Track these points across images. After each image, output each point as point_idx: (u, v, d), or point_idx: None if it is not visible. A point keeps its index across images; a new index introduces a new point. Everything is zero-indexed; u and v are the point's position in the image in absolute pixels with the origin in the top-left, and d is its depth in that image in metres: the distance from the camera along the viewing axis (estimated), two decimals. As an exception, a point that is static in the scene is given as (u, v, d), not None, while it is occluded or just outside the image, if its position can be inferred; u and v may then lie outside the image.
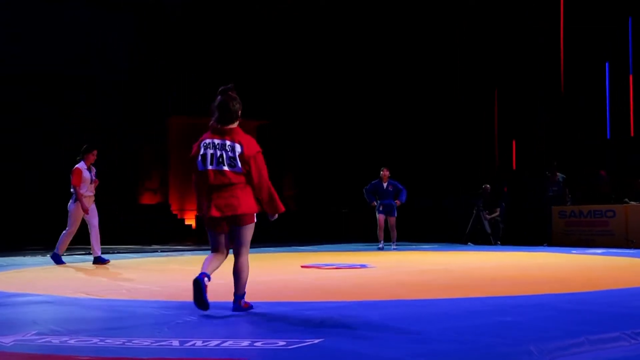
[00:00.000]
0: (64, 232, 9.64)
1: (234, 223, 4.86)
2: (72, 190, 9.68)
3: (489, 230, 15.16)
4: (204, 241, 18.42)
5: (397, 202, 12.83)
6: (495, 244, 14.98)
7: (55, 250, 9.68)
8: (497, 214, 15.51)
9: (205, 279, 4.70)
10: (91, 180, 9.71)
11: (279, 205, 4.89)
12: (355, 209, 17.35)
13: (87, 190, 9.66)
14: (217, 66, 21.43)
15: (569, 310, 5.01)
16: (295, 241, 16.00)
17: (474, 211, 15.45)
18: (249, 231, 4.88)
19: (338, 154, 20.55)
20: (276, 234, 19.06)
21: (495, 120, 17.42)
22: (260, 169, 4.83)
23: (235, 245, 4.88)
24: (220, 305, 5.34)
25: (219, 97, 4.92)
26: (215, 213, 4.81)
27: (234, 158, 4.79)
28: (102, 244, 9.85)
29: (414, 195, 18.34)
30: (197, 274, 4.78)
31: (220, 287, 6.73)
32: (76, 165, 9.70)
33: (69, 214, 9.68)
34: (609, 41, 15.54)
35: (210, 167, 4.81)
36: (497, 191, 16.28)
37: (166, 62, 20.71)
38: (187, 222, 22.66)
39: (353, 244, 15.02)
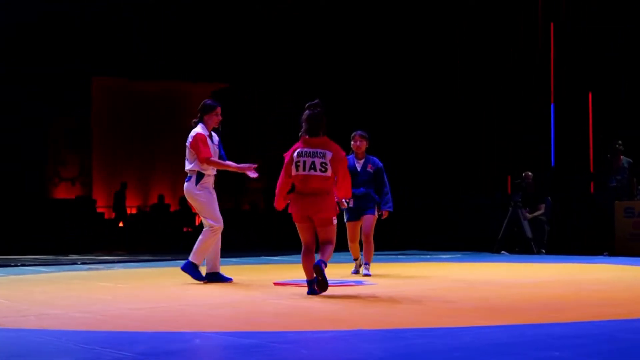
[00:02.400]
0: (204, 232, 8.97)
1: (318, 224, 7.61)
2: (190, 168, 9.07)
3: (529, 235, 15.23)
4: (139, 249, 18.47)
5: (384, 212, 10.25)
6: (539, 252, 15.08)
7: (191, 259, 8.99)
8: (541, 211, 15.59)
9: (315, 286, 7.56)
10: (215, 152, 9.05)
11: (349, 191, 7.87)
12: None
13: (210, 168, 9.09)
14: (164, 19, 21.31)
15: (635, 342, 5.07)
16: (264, 250, 16.04)
17: (510, 208, 15.51)
18: (331, 229, 7.66)
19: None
20: (240, 240, 19.08)
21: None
22: (346, 171, 7.68)
23: (321, 238, 7.71)
24: (160, 337, 5.36)
25: (307, 111, 7.60)
26: (297, 210, 7.60)
27: (325, 163, 7.49)
28: None
29: (426, 193, 18.70)
30: (306, 289, 7.70)
31: (156, 312, 6.74)
32: (195, 131, 9.05)
33: (200, 205, 9.03)
34: None
35: (303, 172, 7.52)
36: (542, 181, 16.39)
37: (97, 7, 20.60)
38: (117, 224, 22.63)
39: (343, 254, 15.04)
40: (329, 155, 7.51)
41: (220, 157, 9.18)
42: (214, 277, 9.13)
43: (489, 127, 18.92)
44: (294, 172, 7.57)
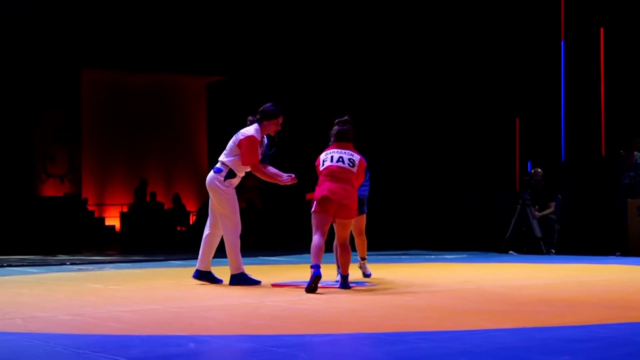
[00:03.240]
0: (229, 233, 8.81)
1: (341, 216, 8.25)
2: (225, 161, 8.92)
3: (538, 234, 15.25)
4: (130, 249, 18.46)
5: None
6: (548, 252, 15.08)
7: (232, 272, 8.88)
8: (551, 210, 15.59)
9: (320, 270, 7.96)
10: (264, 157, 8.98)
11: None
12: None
13: (243, 171, 9.01)
14: (157, 9, 21.29)
15: (649, 345, 5.09)
16: (262, 249, 16.03)
17: (518, 206, 15.52)
18: (349, 225, 8.42)
19: (315, 125, 20.54)
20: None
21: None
22: (362, 176, 8.54)
23: (339, 236, 8.35)
24: (154, 341, 5.37)
25: (336, 127, 8.48)
26: (328, 194, 8.15)
27: (354, 160, 8.32)
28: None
29: (430, 191, 18.74)
30: (311, 269, 7.96)
31: (149, 315, 6.75)
32: (250, 131, 8.89)
33: (221, 201, 8.87)
34: None
35: (330, 164, 8.28)
36: (552, 178, 16.40)
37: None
38: (108, 223, 22.62)
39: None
40: (356, 156, 8.36)
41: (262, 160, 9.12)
42: (205, 276, 9.12)
43: (493, 122, 18.97)
44: (321, 168, 8.34)
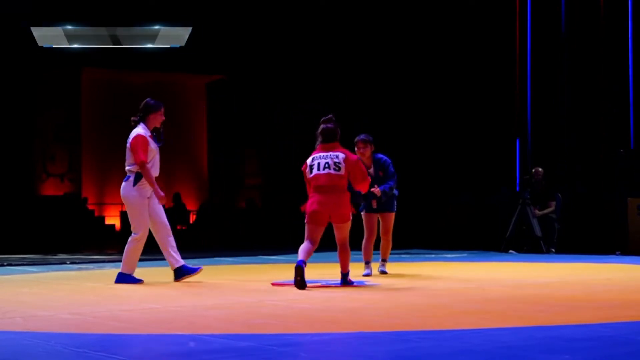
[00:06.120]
0: (130, 240, 9.18)
1: (336, 220, 8.50)
2: (130, 168, 9.04)
3: (539, 234, 15.26)
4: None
5: (376, 189, 9.76)
6: (548, 251, 15.10)
7: (121, 270, 9.18)
8: (551, 209, 15.60)
9: (304, 264, 8.07)
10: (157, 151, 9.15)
11: (365, 188, 8.82)
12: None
13: (152, 168, 9.06)
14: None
15: (649, 344, 5.09)
16: (262, 249, 16.05)
17: (518, 205, 15.53)
18: (347, 227, 8.58)
19: (315, 125, 20.62)
20: (236, 239, 19.05)
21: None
22: (363, 171, 8.62)
23: (338, 237, 8.61)
24: (154, 340, 5.37)
25: (322, 125, 8.66)
26: (318, 207, 8.40)
27: (339, 163, 8.42)
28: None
29: (431, 190, 18.72)
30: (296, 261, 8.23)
31: (149, 314, 6.75)
32: (136, 131, 9.07)
33: (131, 208, 9.08)
34: None
35: (317, 172, 8.44)
36: (553, 176, 16.41)
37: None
38: (108, 222, 22.62)
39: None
40: (341, 156, 8.47)
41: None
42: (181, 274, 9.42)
43: (493, 122, 18.96)
44: (308, 175, 8.53)
